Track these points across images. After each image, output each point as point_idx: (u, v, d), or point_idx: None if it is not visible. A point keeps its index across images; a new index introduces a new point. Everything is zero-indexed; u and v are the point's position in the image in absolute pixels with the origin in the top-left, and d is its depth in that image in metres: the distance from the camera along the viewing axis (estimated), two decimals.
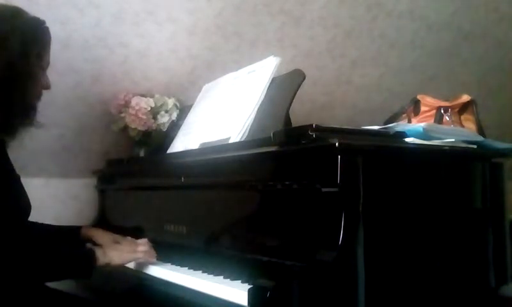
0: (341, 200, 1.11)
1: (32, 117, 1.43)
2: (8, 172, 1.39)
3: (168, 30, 2.08)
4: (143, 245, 1.47)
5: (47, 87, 1.46)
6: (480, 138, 1.49)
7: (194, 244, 1.53)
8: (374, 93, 2.68)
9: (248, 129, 1.54)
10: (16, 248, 1.27)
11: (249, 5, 2.12)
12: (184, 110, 2.07)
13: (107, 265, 1.38)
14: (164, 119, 2.08)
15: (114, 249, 1.44)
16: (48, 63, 1.46)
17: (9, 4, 1.42)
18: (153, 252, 1.49)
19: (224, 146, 1.53)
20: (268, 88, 1.59)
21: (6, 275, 1.25)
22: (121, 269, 1.52)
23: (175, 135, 1.92)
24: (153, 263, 1.48)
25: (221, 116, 1.69)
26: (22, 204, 1.41)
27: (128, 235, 1.59)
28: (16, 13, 1.38)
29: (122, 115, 2.09)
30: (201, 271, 1.33)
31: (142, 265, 1.49)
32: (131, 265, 1.51)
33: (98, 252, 1.37)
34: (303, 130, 1.19)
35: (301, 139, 1.20)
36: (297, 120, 1.46)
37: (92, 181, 2.21)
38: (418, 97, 1.77)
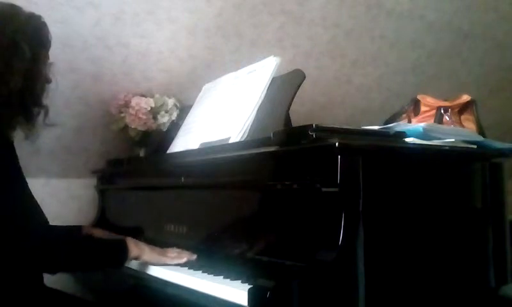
0: (341, 200, 1.11)
1: (45, 115, 1.45)
2: (19, 172, 1.39)
3: (168, 30, 2.08)
4: (172, 252, 1.46)
5: (49, 81, 1.48)
6: (480, 138, 1.49)
7: (194, 244, 1.53)
8: (374, 93, 2.68)
9: (248, 129, 1.54)
10: (57, 241, 1.31)
11: (249, 5, 2.12)
12: (184, 110, 2.07)
13: (139, 257, 1.40)
14: (164, 119, 2.08)
15: (147, 246, 1.44)
16: (48, 58, 1.47)
17: (3, 1, 1.41)
18: (184, 254, 1.45)
19: (224, 146, 1.53)
20: (268, 88, 1.59)
21: (46, 265, 1.29)
22: (121, 269, 1.52)
23: (175, 135, 1.92)
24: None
25: (221, 116, 1.69)
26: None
27: (128, 235, 1.59)
28: (15, 12, 1.38)
29: (122, 115, 2.09)
30: (201, 271, 1.33)
31: (142, 265, 1.49)
32: (131, 265, 1.51)
33: (131, 243, 1.38)
34: (303, 130, 1.19)
35: (301, 139, 1.20)
36: (297, 120, 1.47)
37: (92, 181, 2.21)
38: (418, 97, 1.77)
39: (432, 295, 1.27)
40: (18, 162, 1.38)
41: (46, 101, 1.46)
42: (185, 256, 1.44)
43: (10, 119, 1.35)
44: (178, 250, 1.47)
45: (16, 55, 1.32)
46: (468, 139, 1.44)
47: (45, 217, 1.37)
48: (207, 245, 1.49)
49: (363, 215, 1.13)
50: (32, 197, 1.36)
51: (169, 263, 1.42)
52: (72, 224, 1.79)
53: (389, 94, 2.67)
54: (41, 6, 1.74)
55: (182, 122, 1.95)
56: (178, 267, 1.40)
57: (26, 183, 1.38)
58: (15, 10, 1.39)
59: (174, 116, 2.09)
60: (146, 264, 1.45)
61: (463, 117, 1.71)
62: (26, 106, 1.38)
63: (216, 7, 2.07)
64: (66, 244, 1.32)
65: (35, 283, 1.40)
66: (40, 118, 1.44)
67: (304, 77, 1.52)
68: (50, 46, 1.46)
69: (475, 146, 1.43)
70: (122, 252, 1.36)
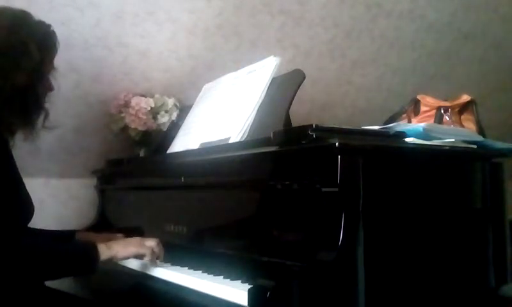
0: (341, 200, 1.11)
1: (45, 119, 1.46)
2: (14, 174, 1.39)
3: (168, 30, 2.08)
4: (151, 242, 1.43)
5: (52, 89, 1.49)
6: (480, 138, 1.49)
7: (194, 244, 1.53)
8: (374, 93, 2.68)
9: (248, 129, 1.54)
10: (20, 248, 1.26)
11: (249, 5, 2.12)
12: (184, 110, 2.07)
13: (112, 259, 1.36)
14: (164, 119, 2.08)
15: (119, 243, 1.40)
16: (53, 65, 1.49)
17: (14, 7, 1.43)
18: (160, 254, 1.44)
19: (224, 146, 1.53)
20: (268, 88, 1.59)
21: (11, 275, 1.25)
22: (121, 269, 1.52)
23: (175, 135, 1.92)
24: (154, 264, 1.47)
25: (221, 116, 1.69)
26: (27, 206, 1.41)
27: (128, 236, 1.59)
28: (27, 18, 1.41)
29: (122, 115, 2.09)
30: (201, 271, 1.33)
31: (142, 265, 1.49)
32: (131, 265, 1.51)
33: (101, 247, 1.33)
34: (303, 130, 1.19)
35: (301, 139, 1.20)
36: (297, 120, 1.46)
37: (92, 181, 2.21)
38: (418, 97, 1.77)
39: (432, 295, 1.27)
40: (13, 160, 1.38)
41: (47, 105, 1.47)
42: (159, 255, 1.43)
43: (8, 118, 1.35)
44: (156, 242, 1.44)
45: (25, 55, 1.35)
46: (468, 139, 1.44)
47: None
48: (207, 245, 1.49)
49: (363, 215, 1.13)
50: (17, 197, 1.35)
51: (145, 252, 1.39)
52: (72, 224, 1.79)
53: (389, 94, 2.67)
54: (42, 6, 1.75)
55: (182, 122, 1.95)
56: (179, 267, 1.40)
57: (17, 181, 1.37)
58: (26, 15, 1.42)
59: (174, 116, 2.09)
60: (122, 261, 1.43)
61: (463, 117, 1.71)
62: (27, 106, 1.38)
63: (216, 7, 2.07)
64: (27, 255, 1.26)
65: (35, 283, 1.40)
66: (40, 121, 1.45)
67: (304, 77, 1.52)
68: (55, 54, 1.48)
69: (475, 146, 1.43)
70: (90, 258, 1.31)
